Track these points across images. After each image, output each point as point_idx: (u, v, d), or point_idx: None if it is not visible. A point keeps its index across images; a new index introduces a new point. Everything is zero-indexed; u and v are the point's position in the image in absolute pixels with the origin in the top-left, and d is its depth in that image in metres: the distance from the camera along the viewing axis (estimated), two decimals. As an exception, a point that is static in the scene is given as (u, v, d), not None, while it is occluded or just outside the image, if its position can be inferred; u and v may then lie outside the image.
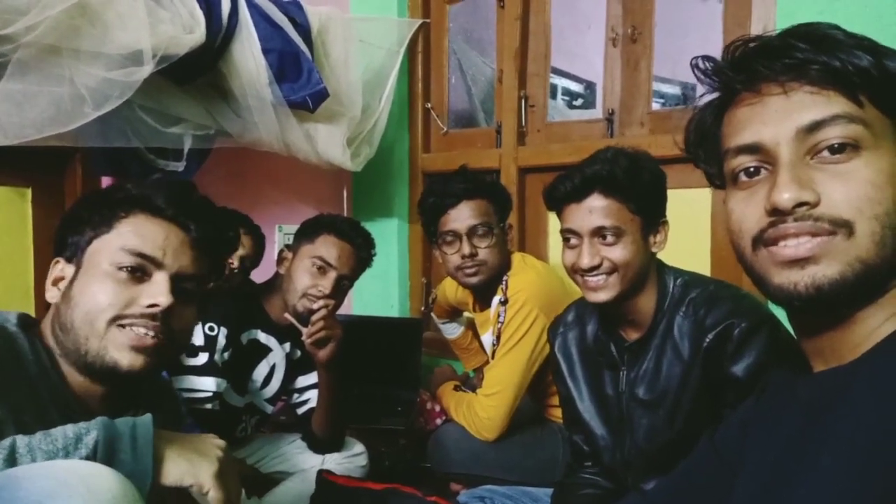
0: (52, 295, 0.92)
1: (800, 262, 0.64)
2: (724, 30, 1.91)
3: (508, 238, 1.79)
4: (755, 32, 1.78)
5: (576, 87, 2.59)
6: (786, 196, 0.64)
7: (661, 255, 1.31)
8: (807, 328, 0.71)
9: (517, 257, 1.80)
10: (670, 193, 1.78)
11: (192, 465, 0.76)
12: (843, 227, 0.63)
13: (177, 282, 0.91)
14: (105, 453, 0.69)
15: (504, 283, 1.73)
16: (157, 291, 0.89)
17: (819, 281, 0.63)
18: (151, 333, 0.88)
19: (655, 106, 2.10)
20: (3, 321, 0.87)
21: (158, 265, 0.90)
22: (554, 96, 2.55)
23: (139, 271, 0.89)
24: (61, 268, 0.92)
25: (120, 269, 0.88)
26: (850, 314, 0.66)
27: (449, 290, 2.05)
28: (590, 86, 2.42)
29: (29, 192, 1.84)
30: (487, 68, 2.58)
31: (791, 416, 0.72)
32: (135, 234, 0.90)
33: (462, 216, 1.69)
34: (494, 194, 1.76)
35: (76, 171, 1.90)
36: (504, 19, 2.38)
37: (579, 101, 2.51)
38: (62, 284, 0.91)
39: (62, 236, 0.93)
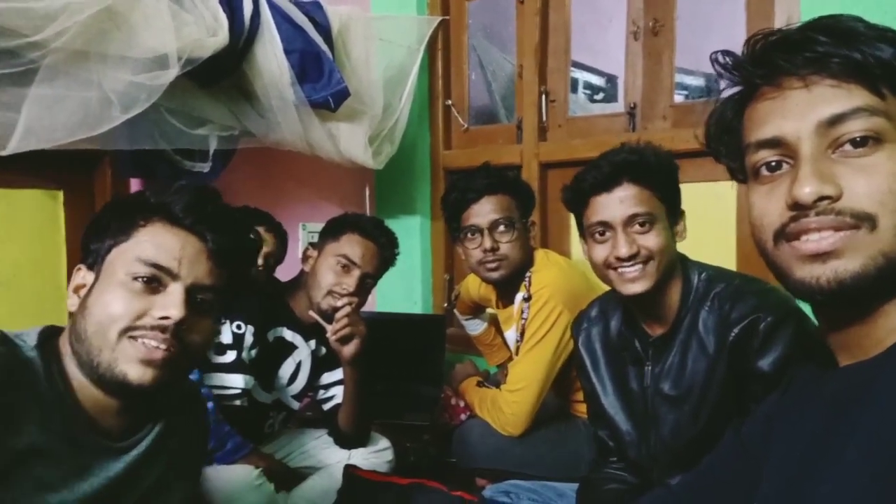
0: (72, 303, 0.90)
1: (822, 256, 0.64)
2: (747, 21, 1.89)
3: (531, 235, 1.79)
4: (779, 23, 1.78)
5: (597, 80, 2.58)
6: (807, 190, 0.63)
7: (686, 248, 1.30)
8: (831, 322, 0.71)
9: (540, 254, 1.80)
10: (695, 187, 1.77)
11: None
12: (865, 220, 0.62)
13: (192, 293, 0.89)
14: None
15: (527, 279, 1.73)
16: (170, 303, 0.86)
17: (841, 275, 0.63)
18: (163, 346, 0.85)
19: (679, 98, 2.08)
20: (21, 345, 0.85)
21: (173, 276, 0.88)
22: (575, 90, 2.54)
23: (154, 282, 0.87)
24: (82, 275, 0.91)
25: (134, 279, 0.86)
26: (874, 308, 0.65)
27: (472, 286, 2.06)
28: (611, 79, 2.40)
29: (61, 194, 1.89)
30: (508, 64, 2.57)
31: (816, 411, 0.72)
32: (151, 243, 0.88)
33: (484, 210, 1.70)
34: (517, 190, 1.76)
35: (105, 173, 1.95)
36: (524, 15, 2.37)
37: (601, 95, 2.50)
38: (82, 292, 0.89)
39: (85, 243, 0.93)
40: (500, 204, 1.70)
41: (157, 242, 0.89)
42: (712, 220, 1.93)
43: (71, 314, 0.89)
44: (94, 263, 0.90)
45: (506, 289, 1.81)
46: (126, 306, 0.85)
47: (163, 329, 0.85)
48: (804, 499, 0.67)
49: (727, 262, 1.81)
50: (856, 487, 0.61)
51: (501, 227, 1.70)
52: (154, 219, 0.90)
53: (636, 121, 2.14)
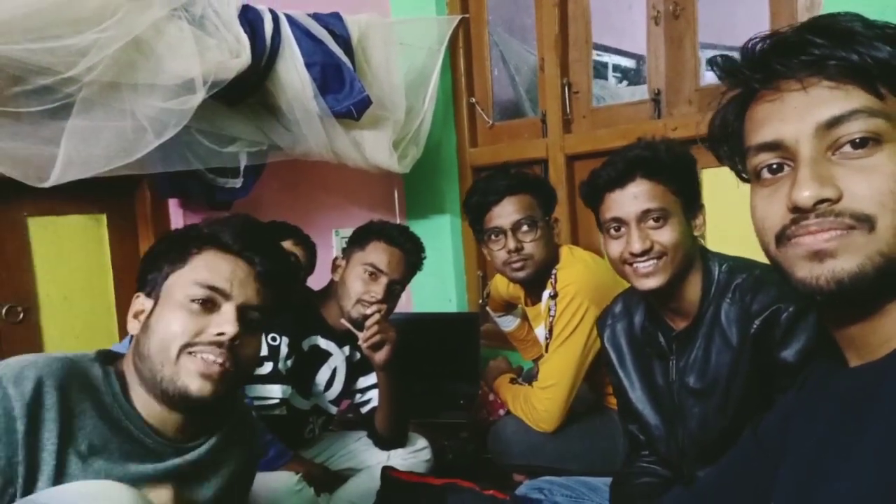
0: (132, 327, 0.99)
1: (819, 254, 0.64)
2: (769, 1, 1.84)
3: (555, 232, 1.79)
4: (801, 2, 1.72)
5: (627, 62, 2.54)
6: (806, 194, 0.64)
7: (713, 237, 1.29)
8: (836, 321, 0.71)
9: (565, 250, 1.80)
10: (721, 173, 1.74)
11: None
12: (864, 221, 0.62)
13: (243, 312, 0.97)
14: None
15: (553, 276, 1.74)
16: (225, 321, 0.94)
17: (839, 275, 0.63)
18: (220, 360, 0.93)
19: (712, 76, 2.05)
20: (81, 357, 0.94)
21: (226, 296, 0.96)
22: (605, 76, 2.52)
23: (209, 302, 0.95)
24: (141, 301, 0.99)
25: (192, 300, 0.94)
26: (878, 308, 0.65)
27: (501, 285, 2.08)
28: (640, 60, 2.36)
29: (104, 217, 1.99)
30: (530, 56, 2.56)
31: (827, 410, 0.72)
32: (206, 268, 0.97)
33: (506, 212, 1.71)
34: (537, 188, 1.76)
35: (145, 195, 2.03)
36: (542, 6, 2.36)
37: (625, 82, 2.47)
38: (142, 317, 0.97)
39: (143, 273, 1.01)
40: (522, 204, 1.71)
41: (210, 267, 0.97)
42: (741, 205, 1.89)
43: (135, 338, 0.97)
44: (153, 290, 0.98)
45: (533, 287, 1.82)
46: (185, 325, 0.93)
47: (219, 344, 0.93)
48: (816, 497, 0.68)
49: (755, 246, 1.78)
50: (867, 485, 0.61)
51: (524, 227, 1.70)
52: (206, 247, 0.99)
53: (661, 107, 2.11)
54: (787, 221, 0.66)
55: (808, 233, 0.65)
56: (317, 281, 1.90)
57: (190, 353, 0.93)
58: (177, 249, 0.99)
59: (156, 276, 0.99)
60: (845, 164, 0.64)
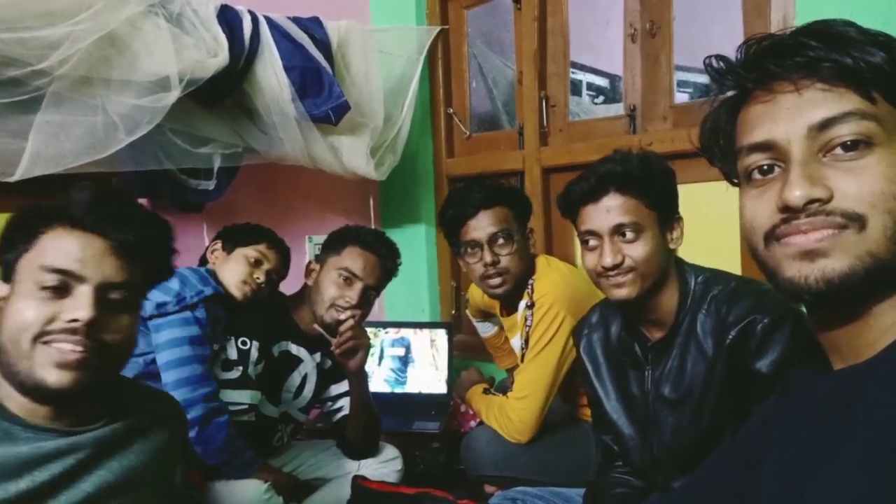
0: None
1: (810, 254, 0.64)
2: (744, 20, 1.89)
3: (531, 242, 1.79)
4: (775, 21, 1.77)
5: (601, 81, 2.58)
6: (797, 194, 0.64)
7: (690, 249, 1.31)
8: (822, 323, 0.71)
9: (541, 260, 1.80)
10: (698, 187, 1.76)
11: None
12: (855, 220, 0.63)
13: (102, 292, 0.89)
14: None
15: (529, 287, 1.73)
16: (78, 305, 0.87)
17: (829, 274, 0.63)
18: (79, 348, 0.86)
19: (683, 97, 2.08)
20: None
21: (79, 278, 0.88)
22: (579, 93, 2.54)
23: (61, 287, 0.87)
24: (0, 288, 0.91)
25: (42, 287, 0.87)
26: (864, 310, 0.66)
27: (476, 295, 2.07)
28: (614, 80, 2.40)
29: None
30: (508, 70, 2.58)
31: (811, 413, 0.72)
32: (52, 248, 0.88)
33: (482, 225, 1.69)
34: (513, 200, 1.75)
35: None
36: (521, 21, 2.38)
37: (601, 98, 2.50)
38: (1, 305, 0.90)
39: (2, 256, 0.93)
40: (498, 217, 1.69)
41: (57, 247, 0.88)
42: (716, 221, 1.92)
43: None
44: (9, 276, 0.90)
45: (509, 297, 1.81)
46: (36, 313, 0.86)
47: (73, 331, 0.86)
48: (801, 499, 0.68)
49: (732, 263, 1.80)
50: (850, 487, 0.61)
51: (500, 241, 1.69)
52: (55, 224, 0.90)
53: (637, 123, 2.14)
54: (777, 221, 0.67)
55: (799, 232, 0.65)
56: (288, 287, 1.87)
57: (45, 342, 0.85)
58: (24, 229, 0.90)
59: (9, 259, 0.90)
60: (836, 165, 0.64)
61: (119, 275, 0.91)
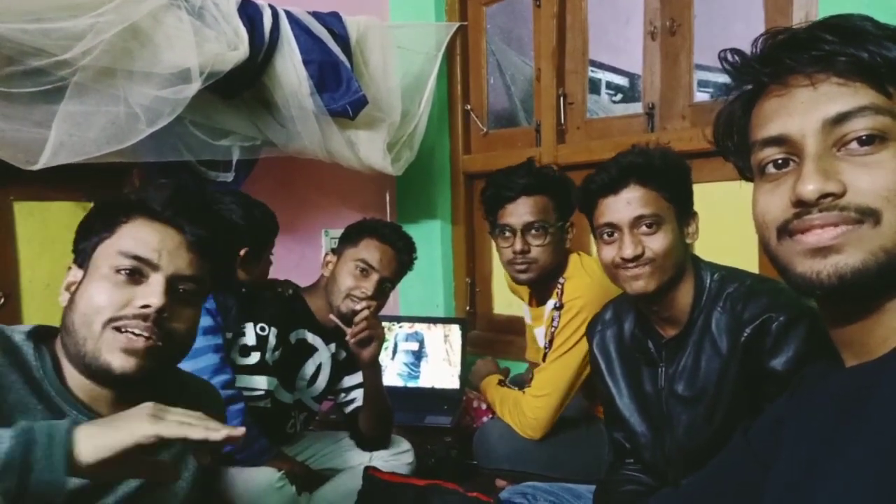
0: (63, 299, 0.94)
1: (823, 250, 0.64)
2: (765, 18, 1.87)
3: (568, 237, 1.74)
4: (797, 19, 1.76)
5: (620, 80, 2.56)
6: (810, 188, 0.64)
7: (706, 248, 1.30)
8: (834, 319, 0.71)
9: (574, 258, 1.76)
10: (715, 186, 1.75)
11: (110, 433, 0.70)
12: (869, 216, 0.62)
13: (173, 283, 0.92)
14: (21, 460, 0.67)
15: (560, 287, 1.71)
16: (151, 292, 0.90)
17: (841, 269, 0.63)
18: (145, 334, 0.88)
19: (704, 96, 2.07)
20: (11, 333, 0.90)
21: (154, 267, 0.91)
22: (598, 91, 2.54)
23: (136, 273, 0.90)
24: (73, 273, 0.95)
25: (117, 271, 0.90)
26: (877, 305, 0.65)
27: (508, 278, 2.05)
28: (633, 79, 2.39)
29: (91, 206, 1.95)
30: (527, 67, 2.58)
31: (823, 410, 0.72)
32: (132, 237, 0.92)
33: (519, 211, 1.66)
34: (556, 191, 1.70)
35: (134, 185, 2.00)
36: (540, 18, 2.38)
37: (619, 97, 2.49)
38: (73, 289, 0.93)
39: (76, 243, 0.96)
40: (537, 206, 1.66)
41: (137, 236, 0.92)
42: (733, 220, 1.90)
43: (64, 310, 0.93)
44: (84, 261, 0.94)
45: (538, 289, 1.79)
46: (109, 297, 0.89)
47: (144, 318, 0.88)
48: (811, 496, 0.67)
49: (748, 263, 1.79)
50: (861, 485, 0.61)
51: (535, 230, 1.66)
52: (135, 215, 0.94)
53: (655, 121, 2.13)
54: (790, 215, 0.66)
55: (811, 227, 0.65)
56: (305, 279, 1.88)
57: (115, 327, 0.88)
58: (105, 218, 0.94)
59: (86, 246, 0.94)
60: (850, 160, 0.64)
61: (190, 268, 0.94)
